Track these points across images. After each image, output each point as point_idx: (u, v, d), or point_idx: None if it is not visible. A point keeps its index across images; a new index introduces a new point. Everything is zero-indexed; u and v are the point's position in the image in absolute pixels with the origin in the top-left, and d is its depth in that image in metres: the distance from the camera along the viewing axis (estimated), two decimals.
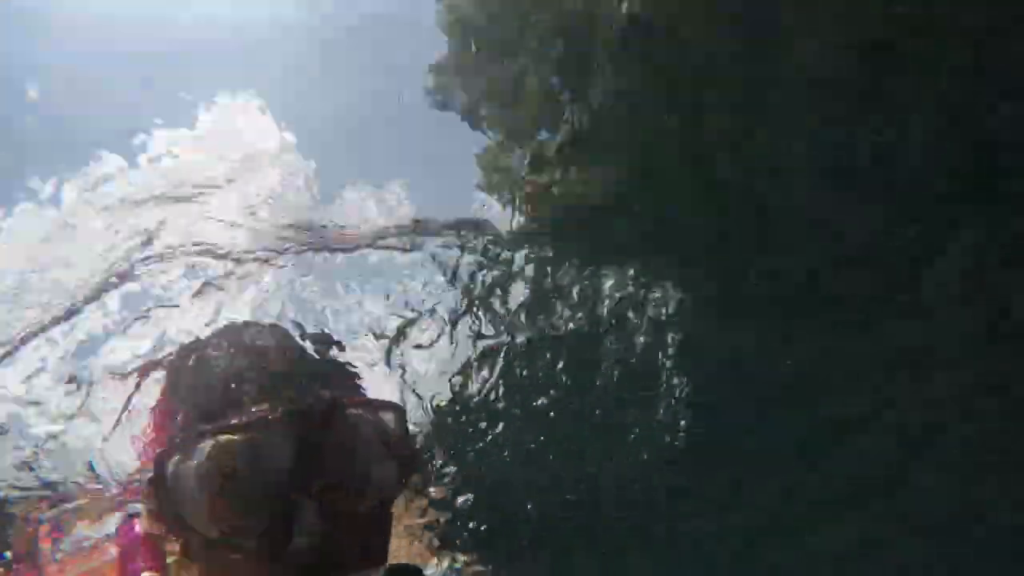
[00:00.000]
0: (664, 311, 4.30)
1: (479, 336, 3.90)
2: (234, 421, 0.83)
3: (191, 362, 0.95)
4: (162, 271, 2.65)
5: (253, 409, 0.84)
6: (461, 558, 4.77)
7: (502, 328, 3.93)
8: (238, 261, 2.73)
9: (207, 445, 0.82)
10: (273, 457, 0.81)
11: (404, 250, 3.28)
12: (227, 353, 0.91)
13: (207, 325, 2.66)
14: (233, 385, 0.88)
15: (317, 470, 0.81)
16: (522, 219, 3.59)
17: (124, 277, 2.55)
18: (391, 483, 0.91)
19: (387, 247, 3.21)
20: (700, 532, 6.61)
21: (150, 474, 0.88)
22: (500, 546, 5.29)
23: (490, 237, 3.54)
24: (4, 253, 2.38)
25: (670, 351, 4.52)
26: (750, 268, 4.27)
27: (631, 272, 4.05)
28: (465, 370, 3.97)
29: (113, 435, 2.24)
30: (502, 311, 3.86)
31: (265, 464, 0.81)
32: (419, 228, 3.24)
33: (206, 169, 2.63)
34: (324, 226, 2.97)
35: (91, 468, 2.31)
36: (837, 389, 5.23)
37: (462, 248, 3.47)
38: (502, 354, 4.04)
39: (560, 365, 4.30)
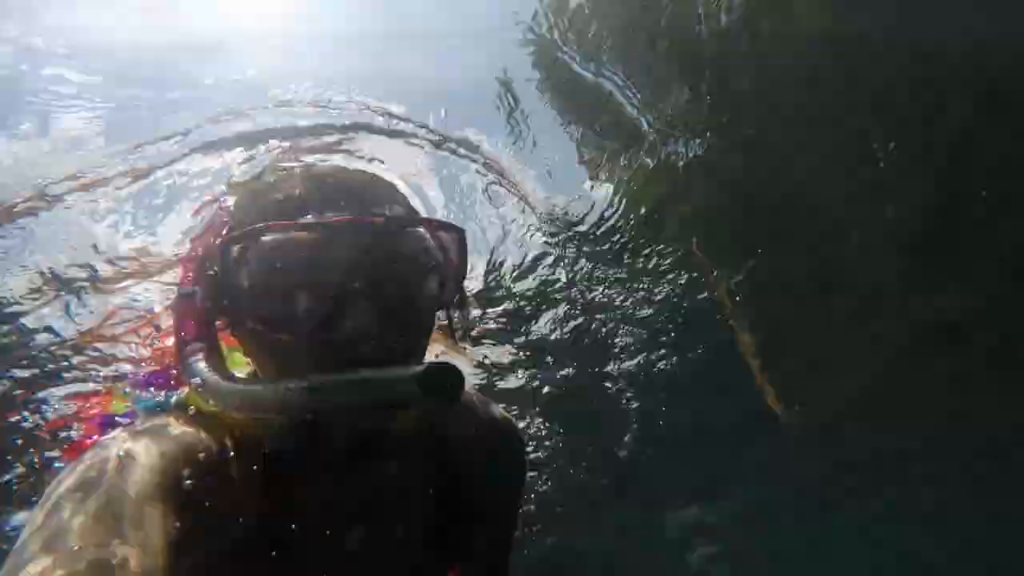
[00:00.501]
0: None
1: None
2: (302, 220, 0.89)
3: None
4: None
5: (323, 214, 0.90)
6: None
7: None
8: None
9: (275, 236, 0.89)
10: (333, 255, 0.88)
11: None
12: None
13: None
14: (306, 189, 0.95)
15: (373, 273, 0.89)
16: None
17: None
18: (440, 295, 0.99)
19: None
20: None
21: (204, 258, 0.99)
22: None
23: None
24: None
25: None
26: None
27: None
28: None
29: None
30: None
31: (324, 259, 0.88)
32: None
33: None
34: None
35: None
36: None
37: None
38: None
39: None
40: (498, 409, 1.32)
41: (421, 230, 0.98)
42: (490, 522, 1.30)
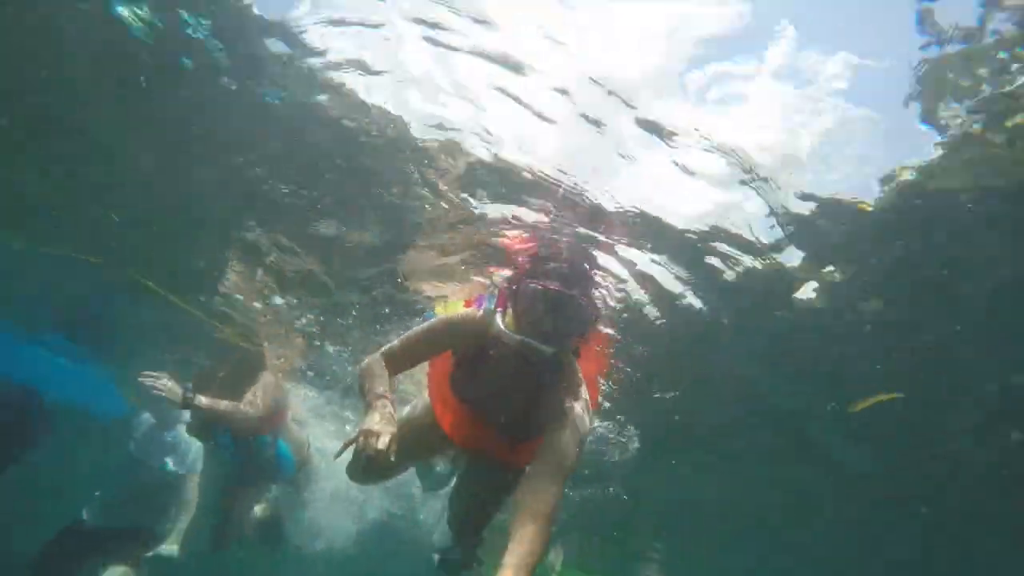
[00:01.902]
0: None
1: None
2: (543, 284, 2.68)
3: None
4: None
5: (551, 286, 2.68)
6: None
7: None
8: None
9: (529, 284, 2.70)
10: (548, 302, 2.65)
11: None
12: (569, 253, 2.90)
13: None
14: (552, 267, 2.75)
15: (560, 312, 2.66)
16: None
17: None
18: (584, 329, 2.73)
19: None
20: None
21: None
22: None
23: None
24: None
25: None
26: None
27: None
28: None
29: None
30: None
31: (545, 302, 2.66)
32: None
33: None
34: None
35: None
36: None
37: None
38: None
39: None
40: (583, 396, 2.73)
41: (584, 302, 2.68)
42: (553, 434, 2.58)
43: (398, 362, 2.84)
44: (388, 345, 2.89)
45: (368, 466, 2.56)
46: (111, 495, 5.91)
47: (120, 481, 5.98)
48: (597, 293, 4.92)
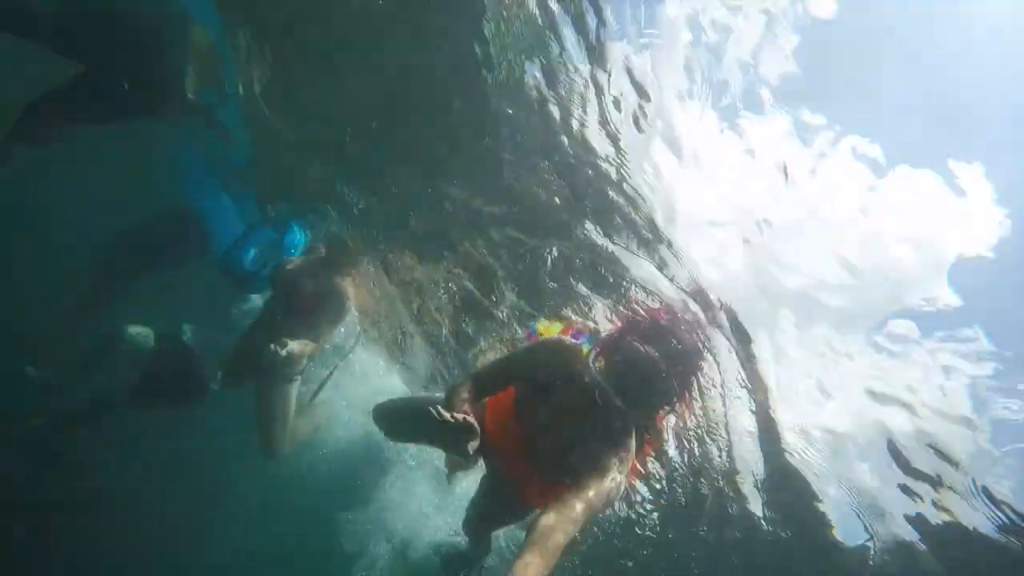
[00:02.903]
0: None
1: None
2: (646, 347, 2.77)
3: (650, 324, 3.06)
4: None
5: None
6: None
7: None
8: None
9: (633, 342, 2.81)
10: (636, 360, 2.75)
11: None
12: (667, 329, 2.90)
13: None
14: (650, 337, 2.82)
15: (643, 374, 2.73)
16: None
17: None
18: (662, 399, 2.82)
19: None
20: None
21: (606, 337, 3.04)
22: None
23: None
24: None
25: None
26: None
27: None
28: None
29: None
30: None
31: (634, 359, 2.76)
32: None
33: None
34: None
35: None
36: None
37: None
38: None
39: None
40: (626, 463, 2.81)
41: (674, 383, 2.75)
42: (583, 484, 2.66)
43: (489, 384, 3.03)
44: (478, 370, 3.09)
45: (441, 440, 2.57)
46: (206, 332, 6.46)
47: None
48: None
